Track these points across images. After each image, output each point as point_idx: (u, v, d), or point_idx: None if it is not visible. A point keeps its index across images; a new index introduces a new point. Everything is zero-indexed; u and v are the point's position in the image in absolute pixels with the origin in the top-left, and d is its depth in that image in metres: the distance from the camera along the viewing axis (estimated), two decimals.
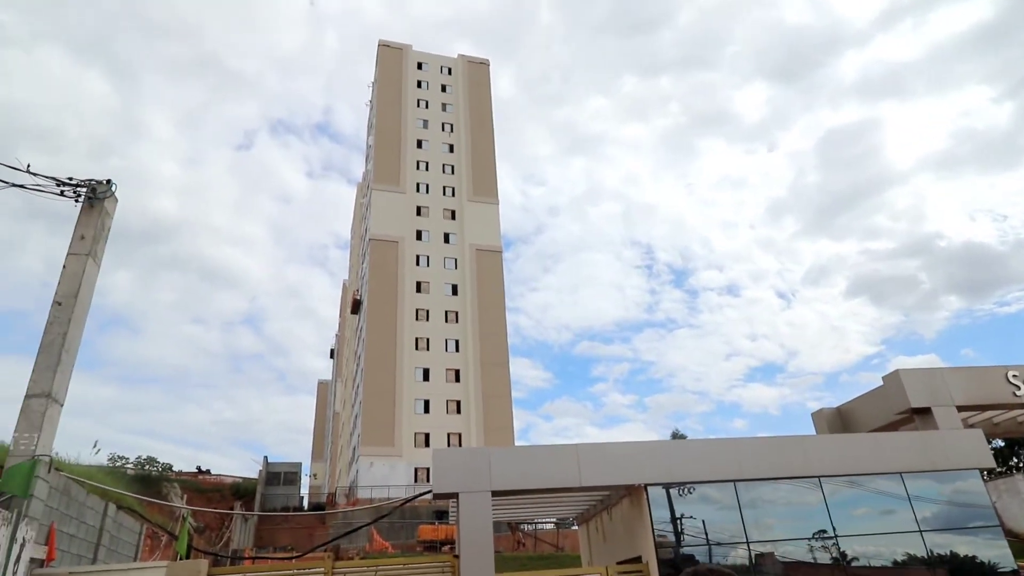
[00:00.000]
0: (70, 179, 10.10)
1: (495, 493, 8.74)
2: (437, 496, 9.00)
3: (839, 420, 13.19)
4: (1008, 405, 11.76)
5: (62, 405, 8.92)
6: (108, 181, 10.37)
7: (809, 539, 8.84)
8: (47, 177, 9.87)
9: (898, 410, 11.25)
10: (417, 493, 11.21)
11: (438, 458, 9.03)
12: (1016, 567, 9.02)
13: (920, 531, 8.94)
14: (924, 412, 11.14)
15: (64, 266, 9.54)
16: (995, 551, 9.11)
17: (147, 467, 32.93)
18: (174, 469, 36.78)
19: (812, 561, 8.73)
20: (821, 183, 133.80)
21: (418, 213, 57.34)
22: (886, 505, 9.17)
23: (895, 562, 8.85)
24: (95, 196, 10.02)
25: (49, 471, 8.14)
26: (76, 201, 10.09)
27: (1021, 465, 42.34)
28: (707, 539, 8.71)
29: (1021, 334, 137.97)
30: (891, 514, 9.14)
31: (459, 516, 8.72)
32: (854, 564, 8.73)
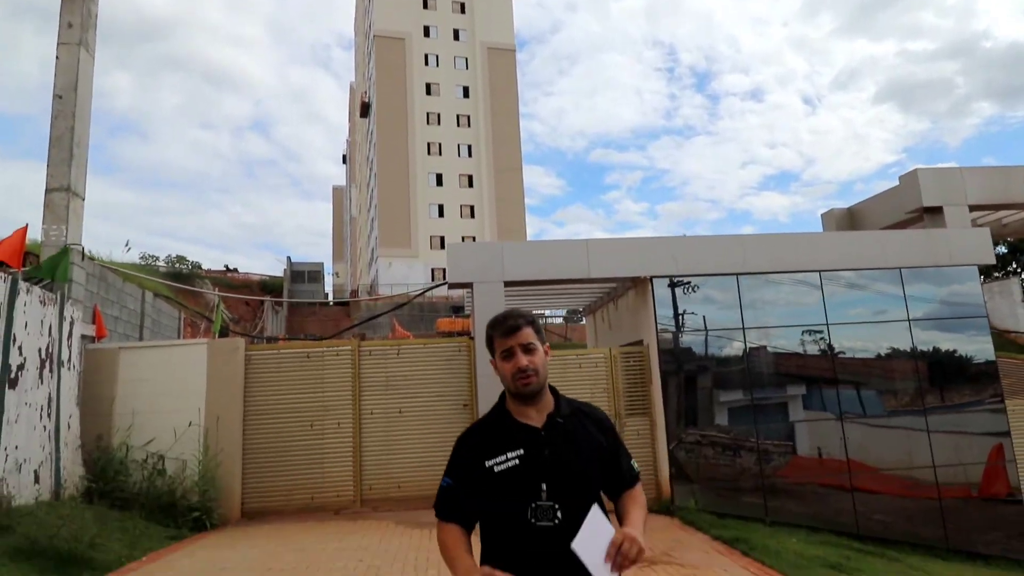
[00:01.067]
0: None
1: (507, 284, 9.18)
2: (452, 286, 9.49)
3: (848, 220, 13.28)
4: (1021, 205, 11.71)
5: (83, 199, 9.14)
6: None
7: (801, 329, 9.33)
8: None
9: (910, 208, 11.26)
10: (433, 284, 11.84)
11: (453, 251, 9.36)
12: (994, 358, 9.61)
13: (909, 320, 9.41)
14: (935, 211, 11.15)
15: (57, 57, 9.16)
16: (977, 345, 9.62)
17: (177, 264, 34.58)
18: (203, 267, 38.67)
19: (802, 352, 9.32)
20: None
21: (424, 6, 52.89)
22: (882, 305, 9.54)
23: (878, 355, 9.43)
24: None
25: (83, 259, 8.61)
26: None
27: (1019, 270, 43.56)
28: (705, 328, 9.26)
29: None
30: (884, 313, 9.54)
31: (473, 304, 9.28)
32: (840, 356, 9.31)
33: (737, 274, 9.31)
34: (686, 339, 9.24)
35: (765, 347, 9.26)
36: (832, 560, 6.54)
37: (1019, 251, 46.98)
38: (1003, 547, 8.91)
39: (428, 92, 51.60)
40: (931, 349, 9.46)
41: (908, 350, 9.39)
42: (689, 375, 9.11)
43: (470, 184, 51.26)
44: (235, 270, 44.94)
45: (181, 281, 26.44)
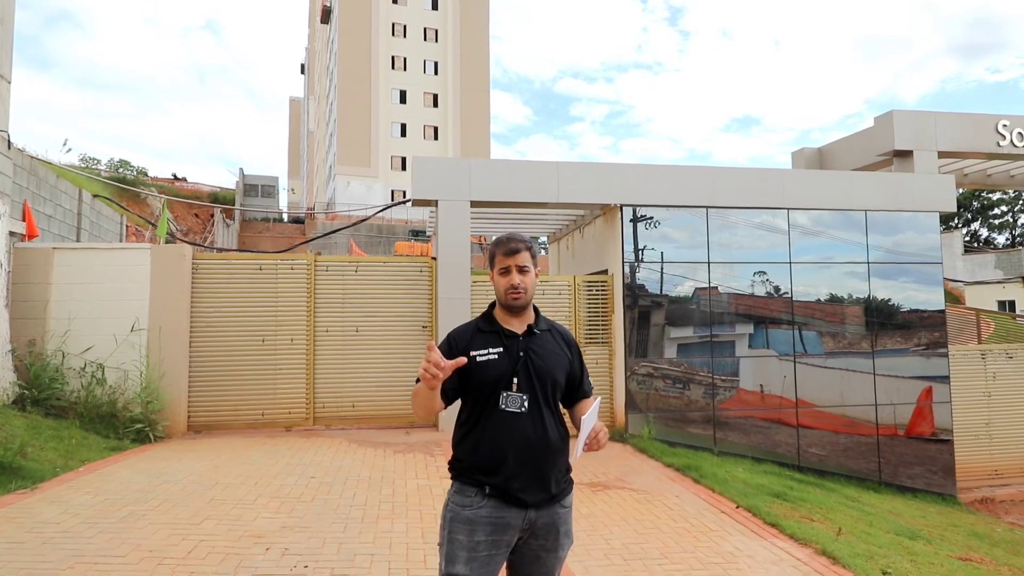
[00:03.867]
0: None
1: (474, 203, 8.83)
2: (416, 203, 9.08)
3: (818, 160, 13.23)
4: (987, 155, 11.82)
5: (9, 82, 8.27)
6: None
7: (755, 269, 9.34)
8: None
9: (881, 151, 11.23)
10: (395, 202, 11.37)
11: (418, 165, 8.90)
12: (944, 307, 9.84)
13: (868, 264, 9.52)
14: (905, 155, 11.15)
15: None
16: (929, 293, 9.79)
17: (121, 169, 32.52)
18: (149, 174, 36.55)
19: (754, 293, 9.35)
20: None
21: None
22: (841, 249, 9.57)
23: (831, 297, 9.52)
24: None
25: (10, 148, 7.84)
26: None
27: (959, 225, 45.76)
28: (662, 262, 9.15)
29: (1001, 103, 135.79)
30: (844, 256, 9.59)
31: (437, 223, 8.92)
32: (793, 298, 9.37)
33: (707, 207, 9.19)
34: (647, 273, 9.15)
35: (717, 287, 9.27)
36: (776, 489, 6.75)
37: (962, 206, 48.95)
38: (925, 481, 9.45)
39: (395, 0, 48.72)
40: (884, 294, 9.61)
41: (863, 294, 9.54)
42: (644, 309, 9.08)
43: (435, 104, 49.41)
44: (183, 179, 42.70)
45: (125, 187, 24.92)
